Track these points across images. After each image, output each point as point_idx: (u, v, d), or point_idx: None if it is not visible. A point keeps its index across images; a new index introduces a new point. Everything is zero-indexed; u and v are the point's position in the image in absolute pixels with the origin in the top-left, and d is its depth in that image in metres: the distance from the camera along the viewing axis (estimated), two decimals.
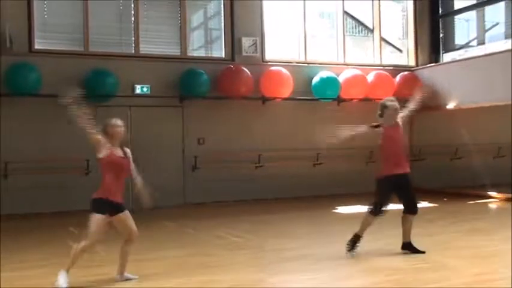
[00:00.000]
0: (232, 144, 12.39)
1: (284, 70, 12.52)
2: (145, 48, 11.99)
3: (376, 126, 6.38)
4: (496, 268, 5.85)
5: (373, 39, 14.53)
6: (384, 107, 6.39)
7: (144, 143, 11.63)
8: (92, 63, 11.14)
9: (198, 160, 11.98)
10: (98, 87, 10.90)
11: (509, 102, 12.26)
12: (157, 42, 12.24)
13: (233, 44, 12.62)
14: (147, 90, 11.72)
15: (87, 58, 11.29)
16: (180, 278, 5.51)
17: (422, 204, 11.54)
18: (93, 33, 11.57)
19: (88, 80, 10.91)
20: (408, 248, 6.42)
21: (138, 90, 11.65)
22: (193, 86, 11.80)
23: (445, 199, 12.17)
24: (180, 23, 12.36)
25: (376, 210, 6.29)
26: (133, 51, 11.93)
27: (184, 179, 12.04)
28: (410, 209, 6.40)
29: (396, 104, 6.38)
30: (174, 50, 12.37)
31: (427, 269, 5.80)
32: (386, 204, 6.28)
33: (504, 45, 13.32)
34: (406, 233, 6.43)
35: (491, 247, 6.58)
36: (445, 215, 10.10)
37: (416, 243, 7.02)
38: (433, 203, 11.68)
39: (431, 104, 13.41)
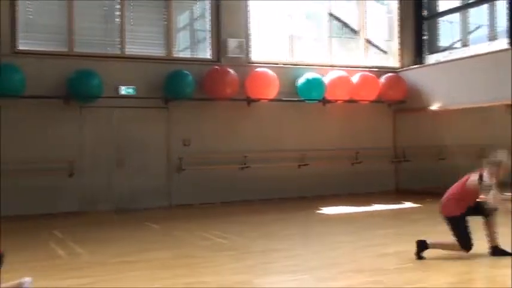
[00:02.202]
0: (217, 145, 12.39)
1: (270, 71, 12.54)
2: (130, 49, 11.94)
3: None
4: (480, 267, 5.90)
5: (358, 41, 14.62)
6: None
7: (129, 144, 11.62)
8: (77, 63, 11.08)
9: (184, 161, 11.96)
10: (82, 88, 10.85)
11: (492, 104, 12.42)
12: (142, 43, 12.20)
13: (219, 45, 12.62)
14: (132, 91, 11.67)
15: (72, 59, 11.23)
16: (165, 280, 5.49)
17: (406, 205, 11.70)
18: (77, 34, 11.50)
19: (72, 80, 10.85)
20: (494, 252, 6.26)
21: (123, 91, 11.61)
22: (179, 87, 11.77)
23: (429, 200, 12.24)
24: (166, 24, 12.33)
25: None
26: (118, 52, 11.87)
27: (169, 180, 12.01)
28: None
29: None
30: (159, 51, 12.34)
31: (411, 269, 5.84)
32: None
33: (487, 47, 13.46)
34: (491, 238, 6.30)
35: (475, 246, 6.64)
36: (429, 215, 10.16)
37: (398, 244, 7.10)
38: (417, 204, 11.78)
39: (415, 106, 13.55)
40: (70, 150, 11.10)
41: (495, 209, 6.07)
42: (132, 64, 11.76)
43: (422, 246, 6.24)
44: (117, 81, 11.54)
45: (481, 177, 6.04)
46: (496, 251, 6.16)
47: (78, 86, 10.85)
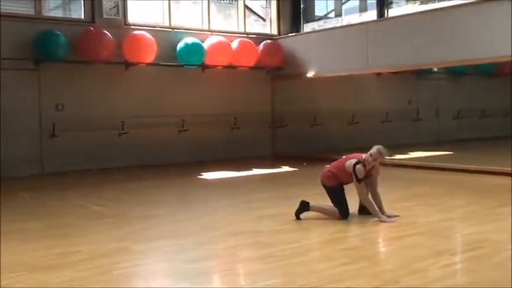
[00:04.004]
0: (94, 110, 11.92)
1: (147, 34, 12.20)
2: None
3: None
4: (347, 226, 6.28)
5: (237, 7, 14.64)
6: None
7: None
8: None
9: (57, 127, 11.38)
10: None
11: (362, 72, 13.12)
12: (8, 0, 11.27)
13: (93, 6, 12.02)
14: None
15: None
16: (36, 251, 5.24)
17: (283, 169, 12.10)
18: None
19: None
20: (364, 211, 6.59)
21: None
22: (50, 48, 11.09)
23: (304, 164, 12.77)
24: None
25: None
26: None
27: (41, 147, 11.40)
28: None
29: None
30: (27, 9, 11.48)
31: (287, 230, 6.07)
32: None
33: (358, 18, 14.12)
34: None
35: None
36: (305, 179, 10.61)
37: (275, 206, 7.36)
38: (294, 168, 12.23)
39: (292, 73, 13.94)
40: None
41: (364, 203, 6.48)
42: None
43: (304, 207, 6.51)
44: None
45: (357, 163, 6.35)
46: (364, 211, 6.59)
47: None
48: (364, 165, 6.37)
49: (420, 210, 7.12)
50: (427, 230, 5.94)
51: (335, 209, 6.50)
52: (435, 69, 16.67)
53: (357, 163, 6.36)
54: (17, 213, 7.36)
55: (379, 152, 6.40)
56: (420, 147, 15.06)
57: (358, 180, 6.35)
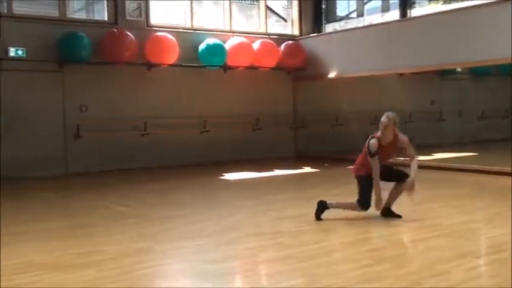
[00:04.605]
0: (116, 111, 12.03)
1: (170, 36, 12.28)
2: (19, 8, 11.16)
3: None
4: (369, 227, 6.23)
5: (259, 8, 14.65)
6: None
7: (20, 110, 11.00)
8: None
9: (81, 128, 11.51)
10: None
11: (384, 72, 13.01)
12: (32, 2, 11.45)
13: (116, 7, 12.14)
14: (23, 53, 10.97)
15: None
16: (59, 250, 5.30)
17: (305, 170, 12.07)
18: None
19: None
20: (387, 212, 6.51)
21: (12, 53, 10.88)
22: (74, 50, 11.23)
23: (326, 164, 12.71)
24: None
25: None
26: (5, 11, 11.07)
27: (65, 148, 11.54)
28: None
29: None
30: (52, 11, 11.64)
31: (308, 231, 6.05)
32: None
33: (381, 18, 14.02)
34: (390, 198, 6.50)
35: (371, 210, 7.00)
36: (326, 179, 10.57)
37: (296, 207, 7.34)
38: (316, 169, 12.19)
39: (314, 73, 13.90)
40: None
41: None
42: (22, 24, 11.02)
43: (322, 206, 6.47)
44: (6, 42, 10.78)
45: (371, 138, 6.30)
46: (387, 212, 6.52)
47: None
48: (380, 139, 6.30)
49: (444, 211, 7.04)
50: (451, 232, 5.87)
51: (354, 201, 6.44)
52: (459, 70, 16.46)
53: (371, 138, 6.32)
54: (41, 213, 7.46)
55: (387, 117, 6.32)
56: (443, 148, 14.88)
57: (371, 155, 6.26)
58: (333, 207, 6.52)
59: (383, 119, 6.33)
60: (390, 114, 6.37)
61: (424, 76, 15.68)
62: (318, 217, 6.45)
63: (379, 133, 6.35)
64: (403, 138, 6.44)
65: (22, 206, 8.01)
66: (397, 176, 6.47)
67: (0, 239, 5.52)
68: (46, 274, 4.55)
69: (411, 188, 6.27)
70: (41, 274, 4.55)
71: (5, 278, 4.41)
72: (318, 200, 6.59)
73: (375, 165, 6.29)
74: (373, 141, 6.28)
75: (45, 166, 11.20)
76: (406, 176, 6.37)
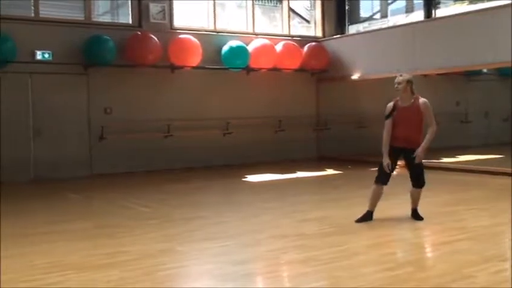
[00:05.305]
0: (140, 113, 12.14)
1: (193, 38, 12.35)
2: (45, 12, 11.35)
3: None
4: (393, 230, 6.19)
5: (282, 9, 14.65)
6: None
7: (47, 112, 11.19)
8: None
9: (105, 130, 11.64)
10: None
11: (409, 74, 12.84)
12: (58, 5, 11.64)
13: (140, 10, 12.26)
14: (49, 56, 11.15)
15: None
16: (85, 251, 5.37)
17: (328, 172, 12.02)
18: None
19: None
20: (414, 214, 6.47)
21: (39, 57, 11.06)
22: (99, 53, 11.37)
23: (349, 166, 12.65)
24: None
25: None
26: (32, 15, 11.26)
27: (90, 149, 11.68)
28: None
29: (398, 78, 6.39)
30: (77, 15, 11.82)
31: (331, 233, 6.02)
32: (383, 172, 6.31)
33: (405, 18, 13.90)
34: (413, 201, 6.47)
35: (392, 210, 6.95)
36: (349, 181, 10.52)
37: (319, 209, 7.31)
38: (338, 170, 12.13)
39: (337, 75, 13.84)
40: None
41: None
42: (48, 28, 11.20)
43: (368, 218, 6.40)
44: (33, 46, 10.97)
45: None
46: (415, 214, 6.47)
47: None
48: (397, 102, 6.36)
49: (469, 214, 6.95)
50: (476, 235, 5.79)
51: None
52: (484, 70, 16.22)
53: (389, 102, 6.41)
54: (67, 214, 7.58)
55: (401, 76, 6.39)
56: (469, 150, 14.68)
57: (385, 117, 6.38)
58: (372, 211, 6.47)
59: (397, 79, 6.37)
60: (404, 73, 6.43)
61: (449, 77, 15.50)
62: (359, 221, 6.40)
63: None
64: (423, 101, 6.37)
65: (48, 207, 8.14)
66: (416, 179, 6.40)
67: (1, 240, 5.58)
68: (73, 274, 4.62)
69: (420, 159, 6.20)
70: (68, 274, 4.62)
71: (34, 278, 4.50)
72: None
73: (386, 127, 6.37)
74: (389, 104, 6.40)
75: (71, 167, 11.36)
76: (422, 185, 6.31)
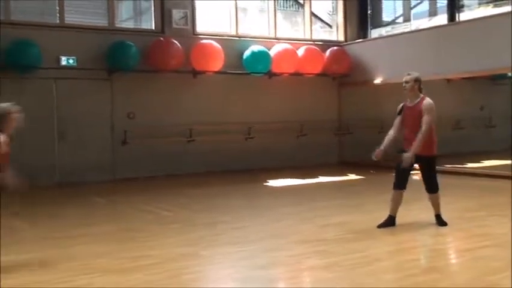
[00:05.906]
0: (163, 118, 12.24)
1: (215, 43, 12.42)
2: (70, 18, 11.53)
3: None
4: (415, 236, 6.14)
5: (304, 14, 14.65)
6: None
7: (71, 117, 11.34)
8: (13, 33, 10.59)
9: (128, 135, 11.77)
10: (20, 58, 10.42)
11: (432, 78, 12.75)
12: (83, 12, 11.81)
13: (163, 16, 12.37)
14: (73, 62, 11.32)
15: (8, 27, 10.71)
16: (109, 254, 5.44)
17: (350, 177, 11.97)
18: (14, 1, 10.99)
19: (9, 50, 10.41)
20: (437, 219, 6.43)
21: (63, 62, 11.24)
22: (122, 58, 11.51)
23: (371, 171, 12.57)
24: None
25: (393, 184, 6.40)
26: (57, 21, 11.45)
27: (113, 154, 11.81)
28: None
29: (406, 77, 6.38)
30: (101, 21, 11.98)
31: (353, 239, 6.00)
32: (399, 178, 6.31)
33: (428, 22, 13.79)
34: (434, 207, 6.44)
35: (414, 216, 6.90)
36: (371, 186, 10.45)
37: (341, 214, 7.28)
38: (361, 176, 12.07)
39: (359, 79, 13.78)
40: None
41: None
42: (73, 34, 11.37)
43: (390, 223, 6.37)
44: (57, 52, 11.15)
45: None
46: (438, 220, 6.40)
47: (16, 56, 10.41)
48: (406, 102, 6.43)
49: (493, 221, 6.85)
50: (500, 241, 5.71)
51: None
52: (510, 74, 16.00)
53: None
54: (92, 217, 7.67)
55: (408, 75, 6.33)
56: (493, 155, 14.47)
57: (397, 114, 6.52)
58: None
59: (405, 77, 6.36)
60: (411, 72, 6.39)
61: (473, 81, 15.32)
62: (381, 226, 6.37)
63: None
64: (426, 102, 6.29)
65: (73, 211, 8.25)
66: (426, 184, 6.34)
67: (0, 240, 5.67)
68: (99, 277, 4.68)
69: (406, 164, 6.14)
70: (95, 277, 4.69)
71: (63, 280, 4.59)
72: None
73: (394, 125, 6.55)
74: (402, 103, 6.43)
75: (94, 171, 11.49)
76: (435, 190, 6.25)
